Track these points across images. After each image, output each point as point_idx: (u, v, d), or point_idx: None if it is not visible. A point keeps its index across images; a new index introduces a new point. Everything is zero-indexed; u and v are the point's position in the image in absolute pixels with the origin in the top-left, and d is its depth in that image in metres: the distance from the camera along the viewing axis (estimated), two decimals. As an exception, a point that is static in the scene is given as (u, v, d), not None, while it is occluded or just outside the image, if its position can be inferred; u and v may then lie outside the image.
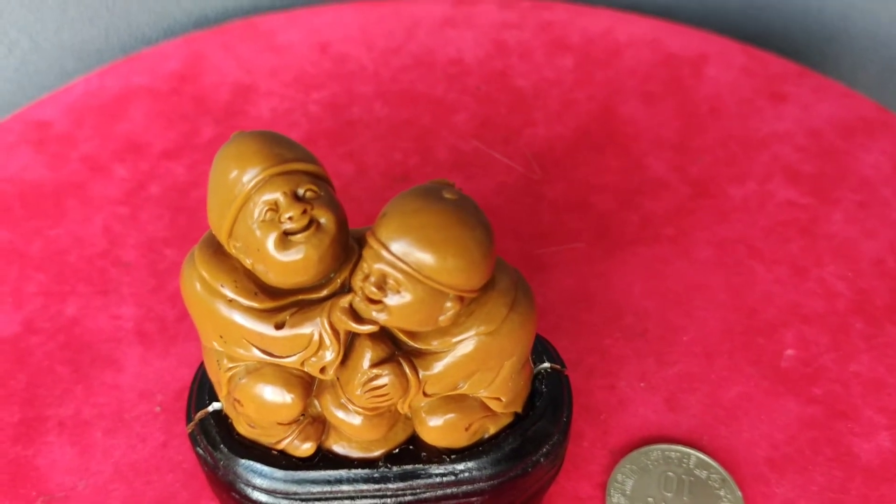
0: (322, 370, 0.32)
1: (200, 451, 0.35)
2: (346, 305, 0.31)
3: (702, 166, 0.53)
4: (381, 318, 0.31)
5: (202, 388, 0.36)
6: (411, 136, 0.54)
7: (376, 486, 0.34)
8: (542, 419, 0.36)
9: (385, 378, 0.32)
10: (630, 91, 0.57)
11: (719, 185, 0.52)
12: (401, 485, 0.35)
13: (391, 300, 0.31)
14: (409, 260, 0.30)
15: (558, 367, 0.37)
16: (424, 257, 0.30)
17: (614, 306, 0.47)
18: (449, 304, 0.31)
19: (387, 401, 0.33)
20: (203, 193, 0.51)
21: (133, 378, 0.44)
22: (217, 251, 0.33)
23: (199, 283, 0.32)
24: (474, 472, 0.35)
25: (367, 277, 0.31)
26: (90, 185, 0.52)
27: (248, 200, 0.31)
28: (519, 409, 0.36)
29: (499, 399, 0.34)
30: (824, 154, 0.54)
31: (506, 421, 0.36)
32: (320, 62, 0.59)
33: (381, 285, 0.30)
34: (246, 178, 0.31)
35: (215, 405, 0.36)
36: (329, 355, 0.32)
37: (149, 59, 0.59)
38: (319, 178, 0.32)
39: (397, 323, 0.31)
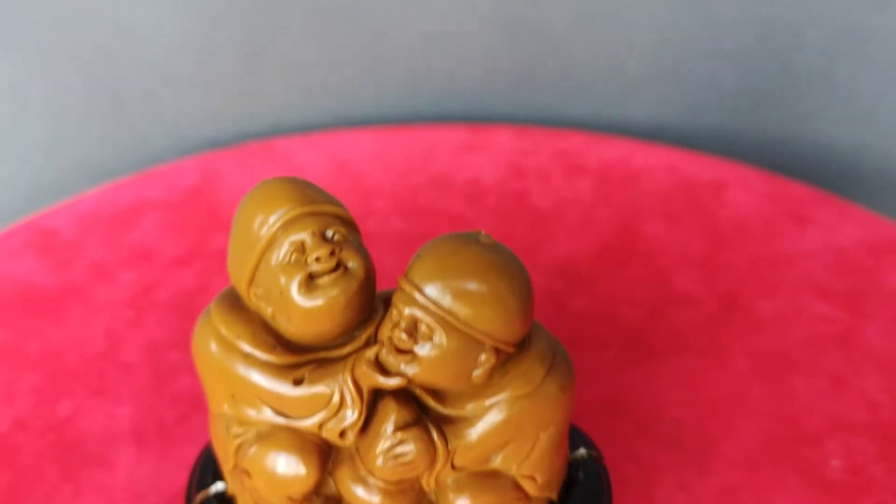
0: (342, 434, 0.29)
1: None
2: (372, 358, 0.29)
3: (730, 281, 0.51)
4: (411, 370, 0.28)
5: (205, 469, 0.33)
6: (428, 251, 0.53)
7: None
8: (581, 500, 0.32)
9: (410, 444, 0.29)
10: (650, 211, 0.56)
11: (749, 299, 0.50)
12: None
13: (422, 350, 0.28)
14: (444, 304, 0.28)
15: (595, 454, 0.34)
16: (461, 301, 0.28)
17: (648, 415, 0.44)
18: (484, 357, 0.28)
19: (411, 471, 0.29)
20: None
21: (125, 479, 0.40)
22: (234, 305, 0.30)
23: (213, 338, 0.30)
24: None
25: (396, 325, 0.28)
26: (95, 289, 0.50)
27: (274, 242, 0.29)
28: (554, 497, 0.32)
29: (533, 479, 0.31)
30: (852, 271, 0.52)
31: (539, 506, 0.32)
32: (337, 180, 0.58)
33: (412, 332, 0.28)
34: (272, 219, 0.29)
35: (218, 486, 0.32)
36: (350, 416, 0.29)
37: (163, 175, 0.58)
38: (348, 224, 0.30)
39: (427, 377, 0.28)
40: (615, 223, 0.55)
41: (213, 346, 0.30)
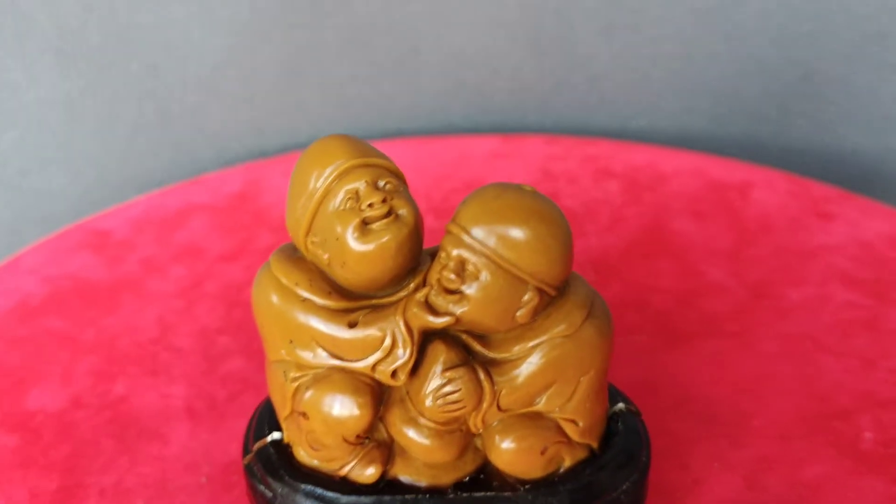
0: (393, 374, 0.31)
1: (257, 483, 0.33)
2: (422, 300, 0.31)
3: (758, 272, 0.53)
4: (459, 309, 0.30)
5: (261, 422, 0.35)
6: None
7: (446, 514, 0.32)
8: (622, 455, 0.33)
9: (458, 383, 0.31)
10: (678, 210, 0.58)
11: (777, 288, 0.52)
12: (473, 513, 0.32)
13: (469, 289, 0.30)
14: (490, 243, 0.30)
15: (633, 409, 0.35)
16: (505, 241, 0.30)
17: (680, 393, 0.45)
18: (528, 296, 0.30)
19: (459, 409, 0.31)
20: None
21: (179, 451, 0.42)
22: (292, 256, 0.32)
23: (272, 287, 0.32)
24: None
25: (444, 267, 0.30)
26: (146, 282, 0.52)
27: (330, 192, 0.31)
28: (595, 444, 0.34)
29: (575, 423, 0.33)
30: (878, 263, 0.53)
31: (581, 455, 0.33)
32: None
33: (460, 272, 0.30)
34: (328, 171, 0.31)
35: (275, 435, 0.34)
36: (402, 356, 0.31)
37: (210, 182, 0.61)
38: (398, 176, 0.32)
39: (475, 315, 0.30)
40: (644, 221, 0.57)
41: (273, 295, 0.32)
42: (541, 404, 0.32)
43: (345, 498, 0.32)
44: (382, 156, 0.32)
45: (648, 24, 0.63)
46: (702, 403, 0.45)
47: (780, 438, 0.43)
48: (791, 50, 0.63)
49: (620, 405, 0.35)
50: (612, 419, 0.35)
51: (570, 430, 0.33)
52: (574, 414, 0.32)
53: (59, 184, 0.62)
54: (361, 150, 0.31)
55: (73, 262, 0.53)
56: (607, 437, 0.34)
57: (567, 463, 0.33)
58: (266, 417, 0.35)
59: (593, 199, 0.59)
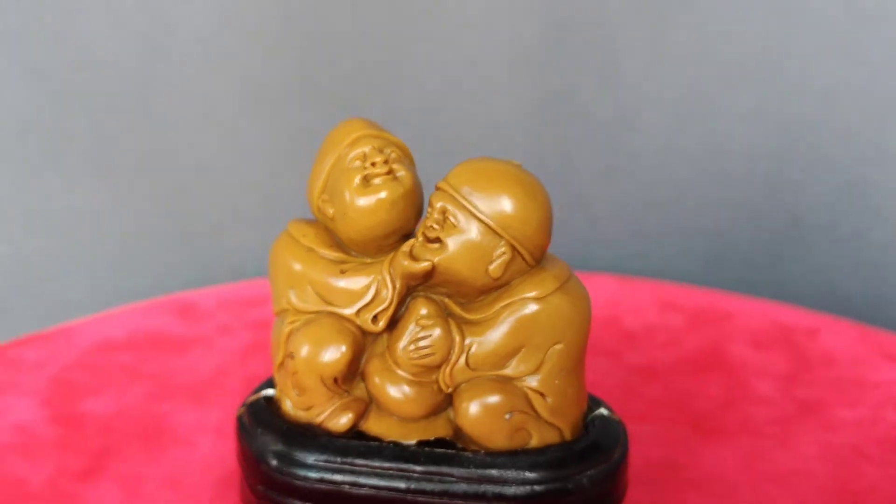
0: (374, 319, 0.33)
1: (243, 431, 0.35)
2: (407, 250, 0.33)
3: (811, 392, 0.51)
4: (436, 257, 0.33)
5: (261, 386, 0.37)
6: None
7: (404, 465, 0.33)
8: (591, 445, 0.33)
9: (429, 331, 0.33)
10: (739, 338, 0.58)
11: (828, 407, 0.50)
12: (430, 468, 0.32)
13: (448, 238, 0.32)
14: (471, 197, 0.33)
15: (616, 417, 0.35)
16: (484, 196, 0.33)
17: (702, 473, 0.44)
18: (501, 250, 0.32)
19: (429, 357, 0.33)
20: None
21: (201, 455, 0.44)
22: (306, 219, 0.36)
23: (283, 242, 0.36)
24: (508, 472, 0.32)
25: (429, 218, 0.33)
26: (217, 339, 0.56)
27: (342, 156, 0.35)
28: (565, 429, 0.34)
29: (543, 396, 0.33)
30: (945, 400, 0.51)
31: (550, 438, 0.33)
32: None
33: (441, 223, 0.33)
34: (345, 140, 0.35)
35: (268, 391, 0.36)
36: (384, 301, 0.33)
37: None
38: (406, 154, 0.36)
39: (450, 263, 0.32)
40: (701, 343, 0.57)
41: (282, 248, 0.35)
42: (510, 369, 0.33)
43: (313, 442, 0.33)
44: (395, 137, 0.36)
45: (643, 169, 0.68)
46: (725, 486, 0.43)
47: (801, 521, 0.41)
48: (778, 197, 0.66)
49: (602, 410, 0.35)
50: (591, 422, 0.35)
51: (538, 403, 0.33)
52: (542, 387, 0.33)
53: (79, 294, 0.66)
54: (375, 126, 0.36)
55: (150, 322, 0.59)
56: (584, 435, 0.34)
57: (534, 441, 0.33)
58: (267, 384, 0.37)
59: (653, 324, 0.60)
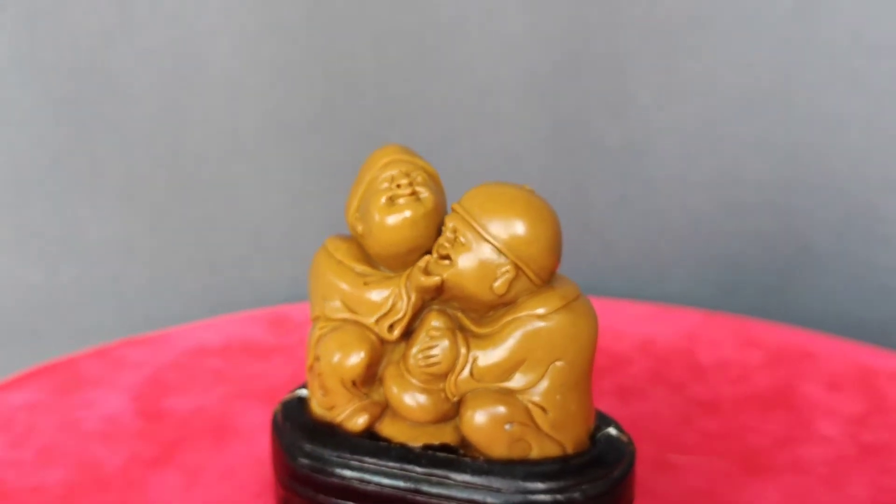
0: (391, 328, 0.36)
1: (275, 426, 0.38)
2: (423, 266, 0.36)
3: (878, 437, 0.50)
4: (446, 272, 0.35)
5: (296, 388, 0.40)
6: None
7: (407, 465, 0.35)
8: (592, 459, 0.34)
9: (438, 341, 0.35)
10: (817, 378, 0.56)
11: (892, 452, 0.48)
12: (430, 470, 0.34)
13: (457, 255, 0.35)
14: (478, 218, 0.35)
15: (626, 437, 0.36)
16: (490, 217, 0.35)
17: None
18: (505, 269, 0.34)
19: (436, 366, 0.35)
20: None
21: (261, 451, 0.47)
22: (342, 237, 0.39)
23: (321, 257, 0.39)
24: (503, 480, 0.34)
25: (442, 236, 0.35)
26: (299, 349, 0.60)
27: (375, 178, 0.38)
28: (568, 446, 0.35)
29: (544, 410, 0.34)
30: None
31: (551, 451, 0.35)
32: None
33: (452, 242, 0.35)
34: (378, 164, 0.38)
35: (301, 391, 0.39)
36: (399, 312, 0.36)
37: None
38: (434, 179, 0.38)
39: (458, 278, 0.35)
40: (774, 381, 0.56)
41: (319, 259, 0.39)
42: (513, 383, 0.35)
43: (330, 439, 0.36)
44: (425, 161, 0.39)
45: (657, 197, 0.69)
46: (760, 519, 0.43)
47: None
48: (789, 224, 0.67)
49: (611, 430, 0.36)
50: (597, 440, 0.36)
51: (538, 416, 0.34)
52: (543, 401, 0.34)
53: (107, 320, 0.69)
54: (407, 151, 0.39)
55: (242, 330, 0.63)
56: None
57: (534, 453, 0.34)
58: (303, 385, 0.40)
59: (730, 359, 0.59)
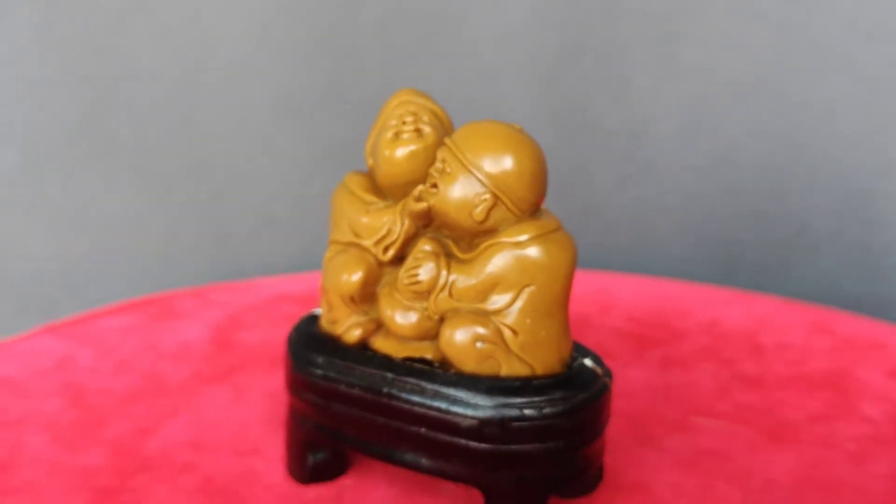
0: (385, 250, 0.39)
1: (289, 337, 0.42)
2: (416, 194, 0.39)
3: (923, 423, 0.48)
4: (432, 198, 0.37)
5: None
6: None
7: (385, 372, 0.38)
8: (557, 383, 0.36)
9: (421, 262, 0.37)
10: (878, 367, 0.54)
11: (935, 439, 0.46)
12: (405, 378, 0.37)
13: (443, 183, 0.37)
14: (464, 150, 0.37)
15: (601, 370, 0.37)
16: (474, 149, 0.37)
17: (744, 468, 0.43)
18: (484, 197, 0.36)
19: (418, 284, 0.37)
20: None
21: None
22: (359, 172, 0.43)
23: (339, 188, 0.43)
24: (468, 391, 0.36)
25: (433, 167, 0.38)
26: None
27: (388, 116, 0.41)
28: (537, 368, 0.37)
29: (514, 332, 0.36)
30: None
31: (520, 370, 0.37)
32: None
33: (441, 171, 0.38)
34: (391, 104, 0.41)
35: (316, 310, 0.43)
36: (393, 235, 0.39)
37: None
38: (440, 119, 0.41)
39: (442, 205, 0.37)
40: (830, 366, 0.55)
41: (337, 190, 0.42)
42: (488, 304, 0.37)
43: (329, 346, 0.40)
44: (436, 104, 0.41)
45: (655, 180, 0.70)
46: (781, 492, 0.42)
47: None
48: (786, 205, 0.69)
49: (588, 361, 0.37)
50: (571, 369, 0.37)
51: (509, 337, 0.36)
52: (514, 323, 0.36)
53: (118, 292, 0.70)
54: (419, 94, 0.42)
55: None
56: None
57: (503, 371, 0.36)
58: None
59: (792, 342, 0.58)
